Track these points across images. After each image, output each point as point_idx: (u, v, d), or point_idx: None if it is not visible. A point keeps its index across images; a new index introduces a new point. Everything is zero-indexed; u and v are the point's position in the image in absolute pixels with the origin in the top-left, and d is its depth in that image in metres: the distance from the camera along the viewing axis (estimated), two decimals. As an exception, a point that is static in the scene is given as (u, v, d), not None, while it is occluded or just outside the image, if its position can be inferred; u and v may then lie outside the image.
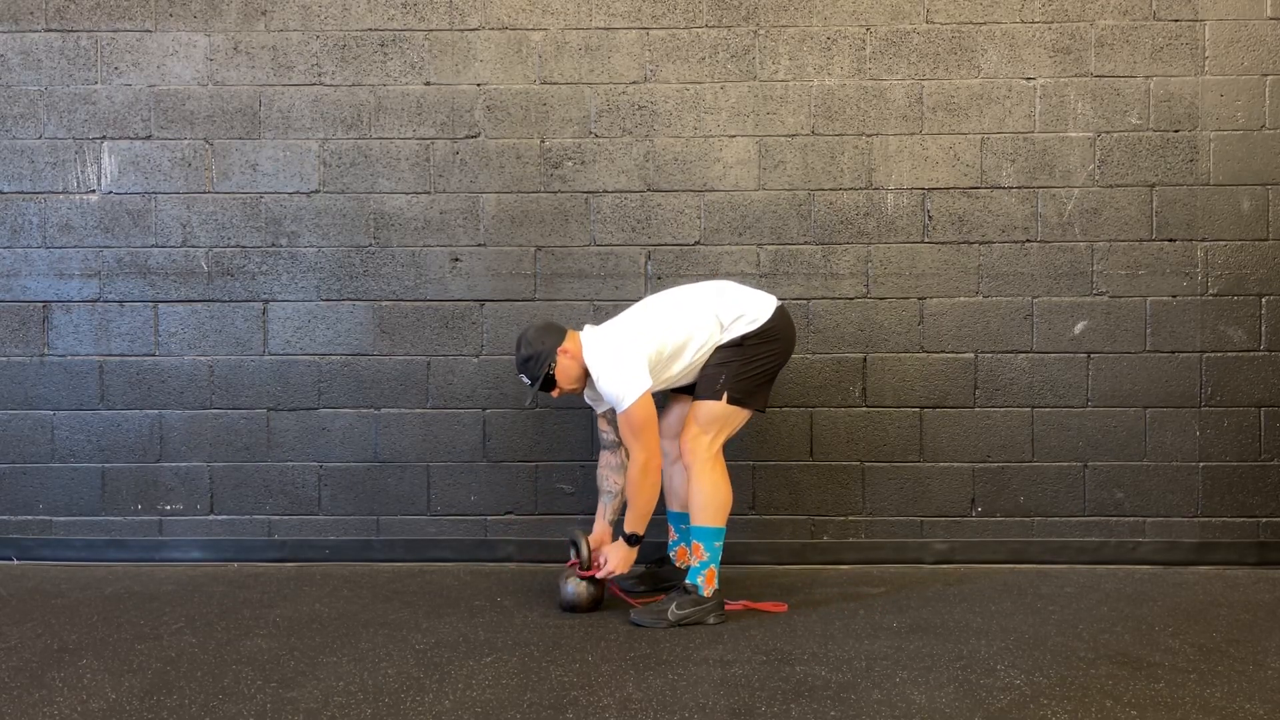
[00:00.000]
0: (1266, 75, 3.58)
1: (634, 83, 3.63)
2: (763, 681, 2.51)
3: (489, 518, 3.69)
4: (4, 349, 3.70)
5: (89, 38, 3.67)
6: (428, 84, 3.65)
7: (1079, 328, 3.62)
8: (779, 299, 3.15)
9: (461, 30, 3.64)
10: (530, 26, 3.64)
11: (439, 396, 3.68)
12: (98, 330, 3.69)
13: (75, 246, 3.68)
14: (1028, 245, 3.61)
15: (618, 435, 3.17)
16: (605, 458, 3.23)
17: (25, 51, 3.68)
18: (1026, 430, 3.62)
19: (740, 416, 3.07)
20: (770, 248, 3.62)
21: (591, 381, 3.06)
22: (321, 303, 3.68)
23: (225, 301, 3.68)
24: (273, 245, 3.68)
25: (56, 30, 3.67)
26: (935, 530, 3.64)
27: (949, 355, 3.63)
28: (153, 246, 3.68)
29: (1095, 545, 3.61)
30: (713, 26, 3.62)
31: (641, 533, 3.03)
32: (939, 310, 3.63)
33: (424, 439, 3.68)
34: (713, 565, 3.00)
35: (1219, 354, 3.60)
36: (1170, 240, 3.60)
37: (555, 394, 3.08)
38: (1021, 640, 2.82)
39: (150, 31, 3.67)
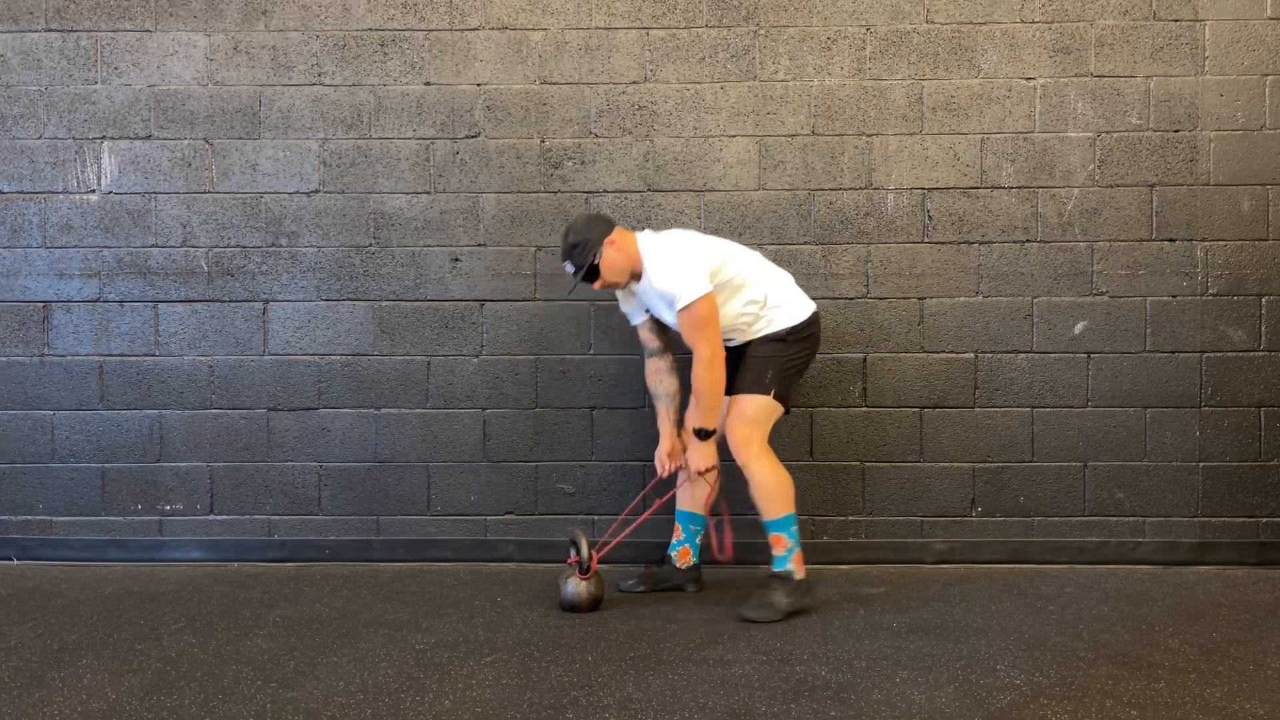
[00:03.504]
0: (1266, 75, 3.58)
1: (634, 83, 3.63)
2: (763, 681, 2.51)
3: (489, 518, 3.69)
4: (4, 349, 3.70)
5: (89, 38, 3.67)
6: (428, 84, 3.65)
7: (1079, 328, 3.62)
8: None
9: (461, 30, 3.64)
10: (530, 26, 3.64)
11: (439, 396, 3.68)
12: (98, 330, 3.69)
13: (75, 246, 3.68)
14: (1028, 245, 3.61)
15: (661, 341, 3.19)
16: (653, 363, 3.23)
17: (25, 51, 3.67)
18: (1026, 430, 3.62)
19: (778, 412, 3.10)
20: (770, 248, 3.61)
21: (631, 285, 3.08)
22: (321, 303, 3.68)
23: (225, 301, 3.68)
24: (273, 245, 3.68)
25: (56, 30, 3.67)
26: (935, 530, 3.64)
27: (949, 355, 3.63)
28: (153, 246, 3.68)
29: (1095, 545, 3.61)
30: (713, 26, 3.62)
31: (713, 428, 3.02)
32: (939, 310, 3.63)
33: (424, 439, 3.68)
34: (797, 549, 3.04)
35: (1219, 354, 3.60)
36: (1170, 240, 3.60)
37: (597, 285, 3.07)
38: (1021, 640, 2.82)
39: (150, 31, 3.67)
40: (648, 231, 3.14)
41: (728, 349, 3.07)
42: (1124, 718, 2.30)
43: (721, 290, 3.00)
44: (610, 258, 3.01)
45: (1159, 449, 3.61)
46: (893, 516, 3.65)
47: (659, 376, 3.21)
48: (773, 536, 3.05)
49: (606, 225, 3.04)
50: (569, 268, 3.06)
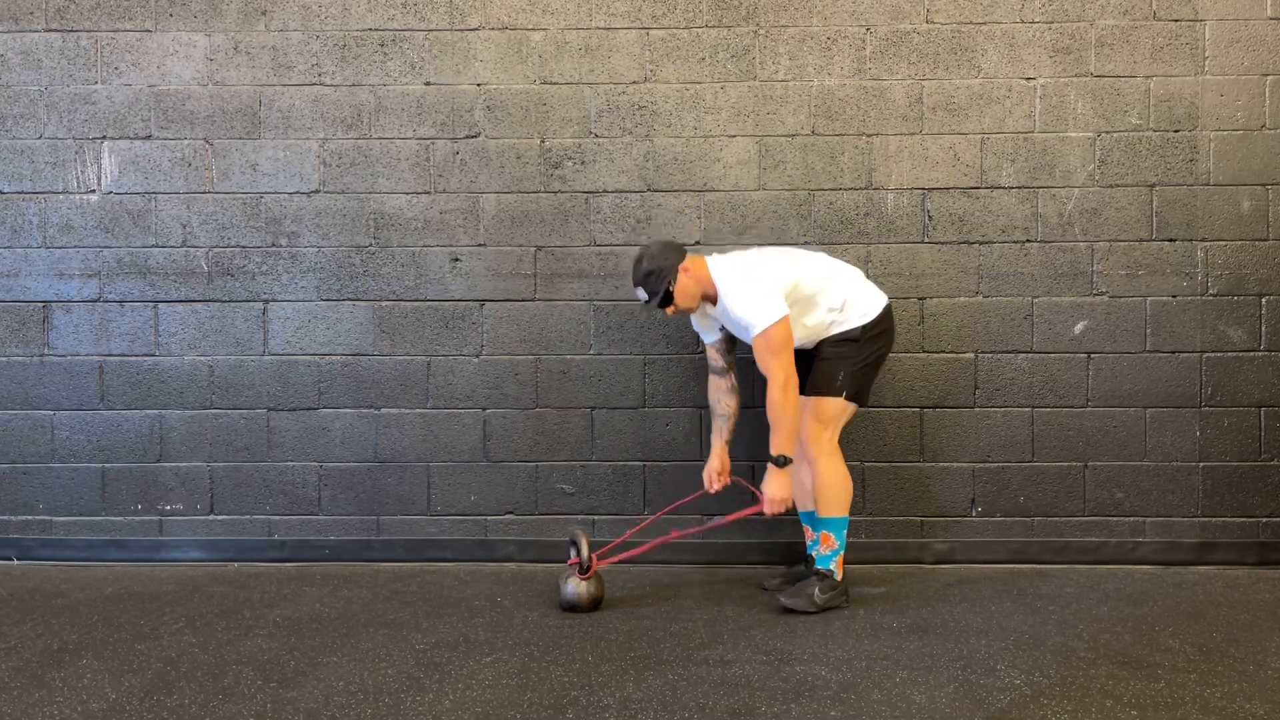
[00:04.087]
0: (1266, 75, 3.58)
1: (634, 83, 3.63)
2: (763, 681, 2.51)
3: (489, 518, 3.69)
4: (4, 349, 3.70)
5: (89, 38, 3.67)
6: (428, 84, 3.65)
7: (1079, 328, 3.62)
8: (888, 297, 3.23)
9: (461, 30, 3.64)
10: (530, 26, 3.64)
11: (439, 396, 3.68)
12: (98, 330, 3.69)
13: (75, 246, 3.68)
14: (1028, 245, 3.61)
15: (725, 361, 3.22)
16: (715, 382, 3.26)
17: (25, 51, 3.67)
18: (1026, 430, 3.62)
19: (850, 410, 3.14)
20: (770, 248, 3.61)
21: (705, 307, 3.12)
22: (321, 303, 3.68)
23: (225, 301, 3.68)
24: (273, 245, 3.68)
25: (56, 30, 3.67)
26: (935, 530, 3.64)
27: (949, 355, 3.63)
28: (153, 246, 3.68)
29: (1095, 545, 3.61)
30: (713, 26, 3.62)
31: (791, 454, 3.00)
32: (939, 310, 3.63)
33: (424, 439, 3.68)
34: (841, 552, 3.12)
35: (1219, 354, 3.60)
36: (1170, 240, 3.60)
37: (670, 311, 3.10)
38: (1021, 640, 2.82)
39: (150, 31, 3.67)
40: (715, 254, 3.17)
41: (802, 348, 3.12)
42: (1124, 718, 2.30)
43: (797, 304, 3.04)
44: (684, 284, 3.06)
45: (1159, 449, 3.61)
46: (893, 516, 3.65)
47: (720, 395, 3.25)
48: (823, 534, 3.11)
49: (679, 252, 3.09)
50: (641, 294, 3.09)
